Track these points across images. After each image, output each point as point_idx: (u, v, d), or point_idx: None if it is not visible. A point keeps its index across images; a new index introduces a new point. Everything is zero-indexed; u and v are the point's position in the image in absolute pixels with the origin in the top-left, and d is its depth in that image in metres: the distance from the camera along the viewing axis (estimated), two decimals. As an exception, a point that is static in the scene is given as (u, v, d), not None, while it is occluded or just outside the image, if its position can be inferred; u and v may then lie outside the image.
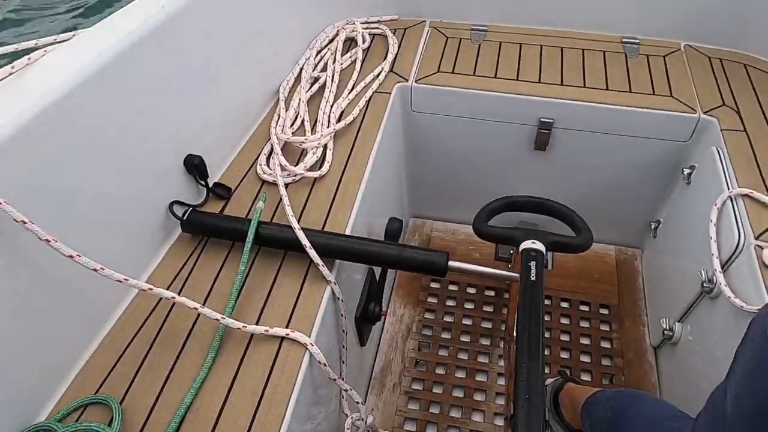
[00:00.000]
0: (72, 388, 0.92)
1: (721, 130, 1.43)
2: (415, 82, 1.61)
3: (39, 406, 0.89)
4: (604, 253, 1.94)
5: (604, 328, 1.76)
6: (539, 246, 1.01)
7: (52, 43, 0.99)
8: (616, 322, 1.76)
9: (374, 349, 1.71)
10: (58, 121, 0.84)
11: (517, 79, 1.61)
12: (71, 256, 0.80)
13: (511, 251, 1.72)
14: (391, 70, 1.63)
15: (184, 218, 1.13)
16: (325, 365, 0.96)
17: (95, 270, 0.83)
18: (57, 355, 0.92)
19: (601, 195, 1.77)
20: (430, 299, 1.84)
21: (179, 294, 0.94)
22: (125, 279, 0.86)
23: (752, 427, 0.61)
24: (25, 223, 0.76)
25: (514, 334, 0.93)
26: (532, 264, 0.97)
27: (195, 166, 1.17)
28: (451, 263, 1.05)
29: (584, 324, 1.77)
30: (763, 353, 0.60)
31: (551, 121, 1.59)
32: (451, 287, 1.87)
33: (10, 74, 0.89)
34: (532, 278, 0.94)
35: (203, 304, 0.94)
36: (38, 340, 0.87)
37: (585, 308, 1.81)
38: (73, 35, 1.01)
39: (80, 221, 0.92)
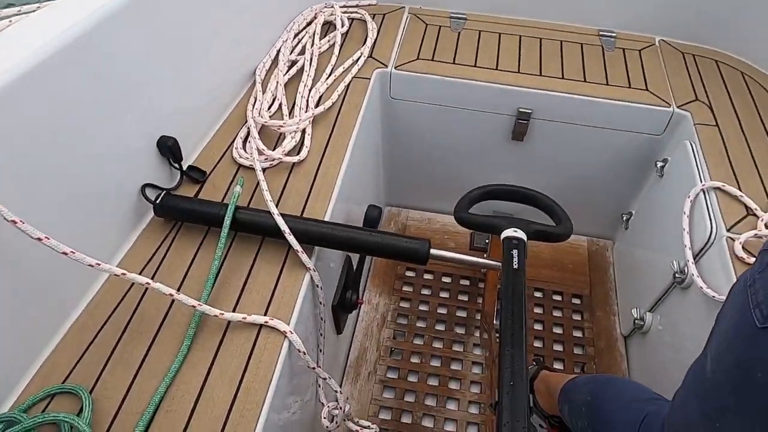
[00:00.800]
0: (38, 377, 0.88)
1: (694, 124, 1.46)
2: (395, 68, 1.59)
3: (2, 396, 0.84)
4: (577, 244, 1.97)
5: (576, 317, 1.78)
6: (521, 234, 1.01)
7: (16, 14, 0.94)
8: (587, 312, 1.79)
9: (349, 338, 1.69)
10: (22, 97, 0.79)
11: (497, 69, 1.60)
12: (40, 239, 0.76)
13: (487, 240, 1.73)
14: (370, 56, 1.61)
15: (157, 202, 1.09)
16: (305, 353, 0.94)
17: (65, 253, 0.79)
18: (21, 343, 0.87)
19: (574, 186, 1.78)
20: (405, 288, 1.84)
21: (153, 280, 0.90)
22: (97, 263, 0.82)
23: (735, 384, 0.61)
24: None
25: (496, 321, 0.93)
26: (515, 252, 0.96)
27: (168, 148, 1.13)
28: (432, 251, 1.04)
29: (557, 313, 1.79)
30: (745, 308, 0.60)
31: (530, 111, 1.59)
32: (427, 276, 1.87)
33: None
34: (515, 266, 0.94)
35: (178, 291, 0.91)
36: (1, 326, 0.82)
37: (557, 298, 1.83)
38: (39, 7, 0.96)
39: (47, 203, 0.87)
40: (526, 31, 1.75)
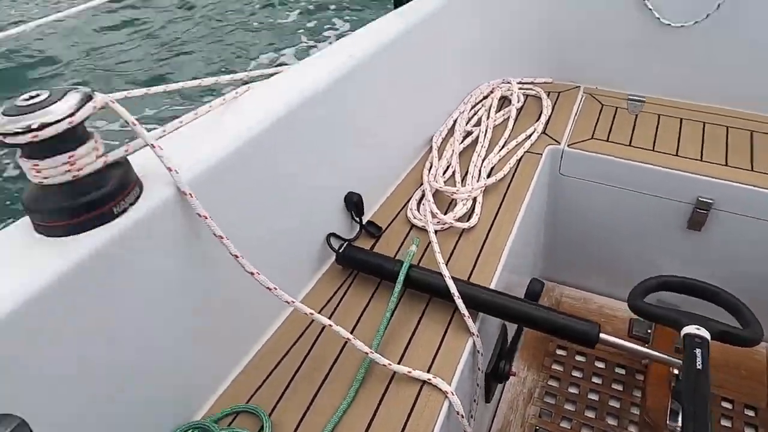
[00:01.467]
0: (226, 395, 0.99)
1: None
2: (568, 146, 1.60)
3: (196, 407, 0.96)
4: (755, 349, 1.77)
5: (749, 431, 1.59)
6: (704, 333, 0.95)
7: (259, 77, 1.12)
8: (763, 428, 1.59)
9: (493, 408, 1.66)
10: (250, 155, 0.94)
11: (677, 155, 1.55)
12: (252, 273, 0.88)
13: (649, 330, 1.62)
14: (543, 132, 1.64)
15: (340, 251, 1.20)
16: (463, 417, 0.95)
17: (269, 288, 0.90)
18: (217, 362, 1.00)
19: (755, 285, 1.62)
20: (555, 366, 1.77)
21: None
22: (292, 300, 0.92)
23: None
24: (222, 238, 0.84)
25: (671, 422, 0.88)
26: (698, 351, 0.91)
27: (354, 204, 1.24)
28: (602, 336, 1.01)
29: (725, 423, 1.61)
30: None
31: (711, 201, 1.51)
32: (578, 357, 1.79)
33: (221, 105, 1.01)
34: (698, 366, 0.88)
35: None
36: (204, 345, 0.95)
37: (727, 405, 1.65)
38: (275, 72, 1.14)
39: (255, 244, 1.00)
40: (710, 117, 1.68)
